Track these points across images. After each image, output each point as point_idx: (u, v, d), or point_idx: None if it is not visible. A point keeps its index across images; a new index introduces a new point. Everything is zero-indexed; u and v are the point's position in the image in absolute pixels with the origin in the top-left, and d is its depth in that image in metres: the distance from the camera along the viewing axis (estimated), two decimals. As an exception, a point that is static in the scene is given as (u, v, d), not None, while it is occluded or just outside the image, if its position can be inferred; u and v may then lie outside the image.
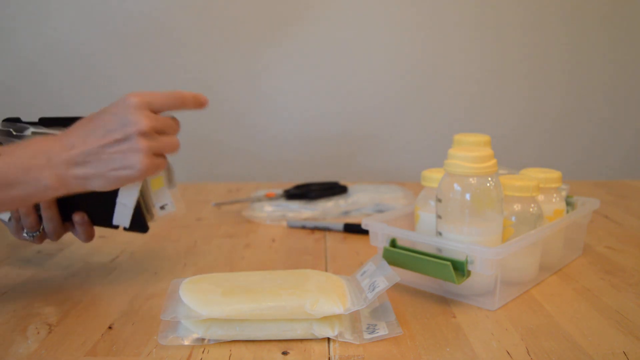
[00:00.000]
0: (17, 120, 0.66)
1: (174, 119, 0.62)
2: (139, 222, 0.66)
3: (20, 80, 1.38)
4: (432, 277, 0.61)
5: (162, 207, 0.67)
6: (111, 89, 1.39)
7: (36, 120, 0.66)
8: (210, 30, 1.39)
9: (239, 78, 1.41)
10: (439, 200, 0.61)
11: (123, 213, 0.65)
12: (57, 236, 0.68)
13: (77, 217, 0.68)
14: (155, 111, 0.60)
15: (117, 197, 0.65)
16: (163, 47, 1.39)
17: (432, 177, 0.69)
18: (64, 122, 0.63)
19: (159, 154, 0.59)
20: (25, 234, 0.67)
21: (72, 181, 0.57)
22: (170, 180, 0.68)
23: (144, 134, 0.57)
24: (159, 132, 0.59)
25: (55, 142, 0.57)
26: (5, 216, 0.67)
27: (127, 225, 0.66)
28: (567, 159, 1.48)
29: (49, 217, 0.66)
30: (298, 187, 1.04)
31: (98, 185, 0.58)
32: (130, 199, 0.64)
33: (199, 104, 0.63)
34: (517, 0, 1.40)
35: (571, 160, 1.49)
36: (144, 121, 0.57)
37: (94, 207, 0.67)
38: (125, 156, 0.57)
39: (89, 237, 0.69)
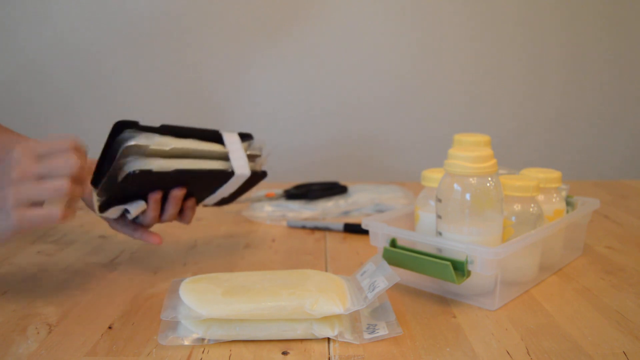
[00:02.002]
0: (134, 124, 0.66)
1: (68, 152, 0.57)
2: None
3: (22, 79, 1.38)
4: (432, 277, 0.61)
5: None
6: (113, 88, 1.40)
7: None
8: (210, 31, 1.39)
9: (239, 78, 1.41)
10: (439, 200, 0.61)
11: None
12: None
13: (190, 202, 0.71)
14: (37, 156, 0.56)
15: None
16: (164, 47, 1.39)
17: (432, 177, 0.69)
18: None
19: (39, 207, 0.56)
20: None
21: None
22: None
23: (13, 182, 0.54)
24: (42, 177, 0.56)
25: None
26: (115, 214, 0.69)
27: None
28: (566, 159, 1.48)
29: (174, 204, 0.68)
30: (298, 187, 1.04)
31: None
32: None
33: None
34: (517, 1, 1.40)
35: (571, 160, 1.49)
36: (19, 171, 0.54)
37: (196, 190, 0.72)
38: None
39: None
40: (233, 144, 0.71)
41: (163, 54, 1.39)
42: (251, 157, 0.74)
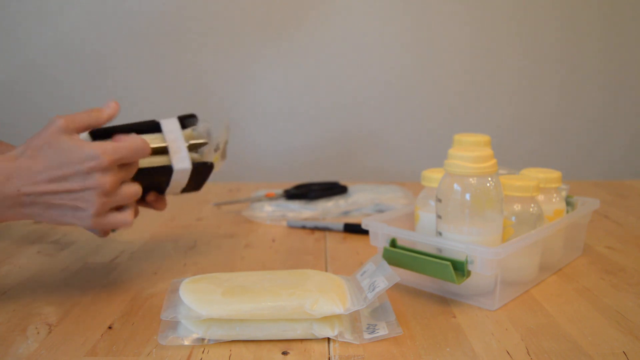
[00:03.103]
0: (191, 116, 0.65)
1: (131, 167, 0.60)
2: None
3: (23, 78, 1.38)
4: (432, 277, 0.61)
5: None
6: (114, 88, 1.40)
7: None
8: (211, 31, 1.39)
9: (239, 78, 1.41)
10: (439, 200, 0.61)
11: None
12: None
13: (151, 196, 0.70)
14: (124, 163, 0.58)
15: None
16: (165, 46, 1.39)
17: (432, 177, 0.69)
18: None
19: (116, 210, 0.59)
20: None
21: (11, 217, 0.56)
22: (223, 155, 0.72)
23: (103, 192, 0.56)
24: (120, 184, 0.58)
25: (1, 175, 0.54)
26: None
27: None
28: (566, 159, 1.48)
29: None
30: (298, 187, 1.04)
31: (43, 220, 0.58)
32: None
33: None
34: (517, 1, 1.40)
35: (571, 160, 1.49)
36: (106, 179, 0.56)
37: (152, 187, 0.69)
38: (76, 207, 0.56)
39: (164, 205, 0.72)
40: (171, 133, 0.66)
41: (164, 53, 1.39)
42: (194, 147, 0.68)
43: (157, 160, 0.65)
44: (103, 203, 0.56)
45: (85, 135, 0.63)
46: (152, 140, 0.65)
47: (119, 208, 0.60)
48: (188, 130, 0.68)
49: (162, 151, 0.66)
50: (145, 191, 0.69)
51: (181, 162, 0.65)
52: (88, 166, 0.55)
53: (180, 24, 1.38)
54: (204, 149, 0.69)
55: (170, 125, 0.66)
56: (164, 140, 0.66)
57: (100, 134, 0.63)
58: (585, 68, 1.45)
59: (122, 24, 1.37)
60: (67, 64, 1.38)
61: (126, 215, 0.59)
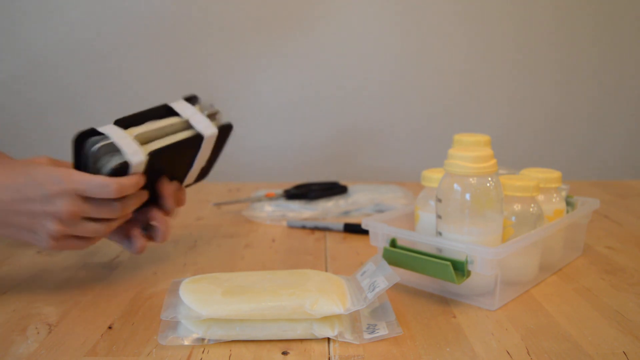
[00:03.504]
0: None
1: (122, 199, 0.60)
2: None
3: (27, 78, 1.38)
4: (432, 277, 0.61)
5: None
6: (117, 87, 1.40)
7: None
8: (213, 31, 1.39)
9: (239, 78, 1.41)
10: (439, 200, 0.61)
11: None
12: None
13: (174, 186, 0.70)
14: (86, 197, 0.58)
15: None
16: (166, 47, 1.39)
17: (432, 177, 0.69)
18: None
19: (75, 237, 0.60)
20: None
21: None
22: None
23: (60, 220, 0.57)
24: (85, 217, 0.59)
25: None
26: None
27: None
28: (566, 159, 1.48)
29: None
30: (298, 187, 1.04)
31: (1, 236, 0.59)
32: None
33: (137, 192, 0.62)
34: (517, 1, 1.40)
35: (571, 160, 1.49)
36: (65, 208, 0.56)
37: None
38: (33, 229, 0.57)
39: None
40: (187, 110, 0.69)
41: (165, 53, 1.39)
42: (210, 117, 0.72)
43: (183, 135, 0.68)
44: (58, 230, 0.57)
45: (111, 126, 0.63)
46: (172, 120, 0.68)
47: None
48: (198, 106, 0.72)
49: (185, 127, 0.69)
50: (166, 179, 0.70)
51: (208, 129, 0.69)
52: (51, 189, 0.56)
53: (182, 23, 1.38)
54: (217, 117, 0.73)
55: (182, 105, 0.70)
56: (181, 118, 0.69)
57: (120, 123, 0.64)
58: (585, 68, 1.45)
59: (123, 23, 1.37)
60: (68, 64, 1.38)
61: (83, 243, 0.61)
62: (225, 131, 0.72)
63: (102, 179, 0.58)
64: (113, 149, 0.61)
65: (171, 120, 0.68)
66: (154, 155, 0.63)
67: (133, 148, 0.61)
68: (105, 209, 0.60)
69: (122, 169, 0.60)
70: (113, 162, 0.60)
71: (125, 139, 0.61)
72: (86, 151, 0.61)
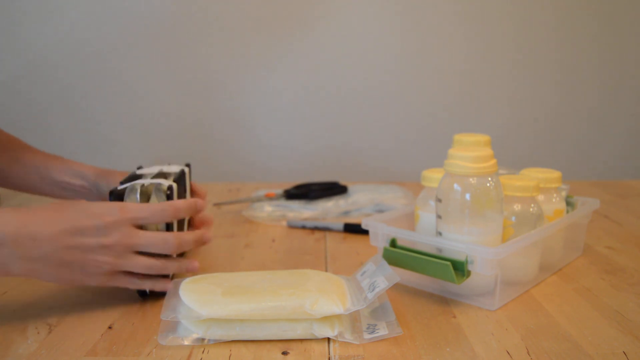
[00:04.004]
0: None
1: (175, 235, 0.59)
2: None
3: (28, 78, 1.38)
4: (432, 277, 0.61)
5: None
6: (118, 87, 1.40)
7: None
8: (213, 31, 1.39)
9: (239, 78, 1.41)
10: (439, 200, 0.61)
11: None
12: None
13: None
14: (142, 226, 0.58)
15: None
16: (167, 47, 1.39)
17: (432, 177, 0.69)
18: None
19: (127, 273, 0.59)
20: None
21: (18, 273, 0.54)
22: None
23: (114, 253, 0.56)
24: (137, 250, 0.57)
25: (17, 226, 0.52)
26: None
27: None
28: (566, 159, 1.48)
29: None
30: (298, 187, 1.04)
31: (45, 279, 0.56)
32: None
33: (194, 210, 0.62)
34: (517, 1, 1.40)
35: (570, 160, 1.49)
36: (119, 239, 0.55)
37: None
38: (85, 265, 0.55)
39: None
40: (153, 168, 0.73)
41: (166, 53, 1.39)
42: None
43: (172, 175, 0.70)
44: (111, 264, 0.56)
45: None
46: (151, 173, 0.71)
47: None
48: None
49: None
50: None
51: (181, 166, 0.74)
52: (105, 220, 0.55)
53: (182, 24, 1.38)
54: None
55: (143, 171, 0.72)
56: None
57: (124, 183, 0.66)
58: (585, 68, 1.45)
59: (123, 23, 1.37)
60: (68, 64, 1.38)
61: (135, 280, 0.59)
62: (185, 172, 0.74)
63: (158, 204, 0.59)
64: (146, 190, 0.62)
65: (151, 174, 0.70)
66: (176, 181, 0.65)
67: (161, 180, 0.63)
68: (160, 242, 0.58)
69: (171, 193, 0.62)
70: (164, 185, 0.62)
71: (146, 180, 0.64)
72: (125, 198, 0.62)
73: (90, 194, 0.77)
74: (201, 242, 0.63)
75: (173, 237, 0.59)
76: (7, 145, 0.79)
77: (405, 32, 1.41)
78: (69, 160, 0.79)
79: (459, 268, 0.59)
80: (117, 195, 0.61)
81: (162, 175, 0.69)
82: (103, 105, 1.41)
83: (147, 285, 0.60)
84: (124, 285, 0.59)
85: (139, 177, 0.68)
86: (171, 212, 0.59)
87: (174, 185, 0.64)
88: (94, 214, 0.55)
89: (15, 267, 0.53)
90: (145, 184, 0.62)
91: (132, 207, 0.57)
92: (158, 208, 0.58)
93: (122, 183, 0.64)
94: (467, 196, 0.59)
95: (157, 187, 0.63)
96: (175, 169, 0.73)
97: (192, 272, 0.64)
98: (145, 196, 0.62)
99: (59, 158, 0.79)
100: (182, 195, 0.69)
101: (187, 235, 0.61)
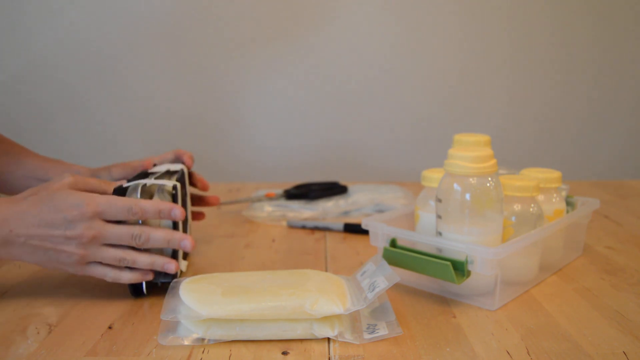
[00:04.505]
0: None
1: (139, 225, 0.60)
2: None
3: (30, 77, 1.38)
4: (432, 277, 0.61)
5: None
6: (119, 87, 1.40)
7: None
8: (213, 32, 1.39)
9: (239, 78, 1.41)
10: (439, 200, 0.61)
11: None
12: None
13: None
14: (108, 219, 0.60)
15: None
16: (169, 47, 1.39)
17: (432, 177, 0.69)
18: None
19: (101, 264, 0.61)
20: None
21: (3, 255, 0.59)
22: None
23: (82, 244, 0.58)
24: (105, 243, 0.60)
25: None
26: None
27: None
28: (566, 159, 1.48)
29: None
30: (298, 187, 1.04)
31: (30, 262, 0.60)
32: None
33: (160, 215, 0.61)
34: (517, 1, 1.40)
35: (570, 160, 1.49)
36: (85, 231, 0.58)
37: None
38: (58, 255, 0.59)
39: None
40: (161, 167, 0.75)
41: (169, 55, 1.39)
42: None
43: (174, 176, 0.71)
44: (80, 255, 0.59)
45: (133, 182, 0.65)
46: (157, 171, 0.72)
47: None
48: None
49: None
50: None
51: (181, 165, 0.75)
52: (72, 214, 0.58)
53: (183, 25, 1.38)
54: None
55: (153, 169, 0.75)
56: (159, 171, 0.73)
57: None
58: (585, 68, 1.45)
59: (124, 23, 1.37)
60: (69, 64, 1.38)
61: (109, 271, 0.61)
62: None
63: (124, 200, 0.60)
64: (149, 190, 0.63)
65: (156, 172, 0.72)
66: (179, 180, 0.66)
67: (165, 181, 0.64)
68: (126, 235, 0.59)
69: (176, 193, 0.63)
70: (168, 185, 0.63)
71: (150, 180, 0.65)
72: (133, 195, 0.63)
73: None
74: (175, 244, 0.62)
75: (140, 231, 0.60)
76: (6, 150, 0.81)
77: (404, 32, 1.41)
78: (68, 163, 0.81)
79: (459, 268, 0.59)
80: (119, 193, 0.62)
81: (169, 174, 0.69)
82: (103, 105, 1.41)
83: (126, 278, 0.61)
84: (99, 276, 0.61)
85: (147, 175, 0.69)
86: (137, 212, 0.60)
87: (178, 185, 0.64)
88: (61, 208, 0.58)
89: (1, 252, 0.58)
90: (148, 184, 0.63)
91: (99, 200, 0.59)
92: (125, 206, 0.59)
93: (129, 181, 0.64)
94: (467, 196, 0.59)
95: (161, 187, 0.63)
96: (178, 167, 0.74)
97: (169, 272, 0.63)
98: (148, 195, 0.62)
99: (58, 162, 0.82)
100: (184, 194, 0.69)
101: (157, 232, 0.60)
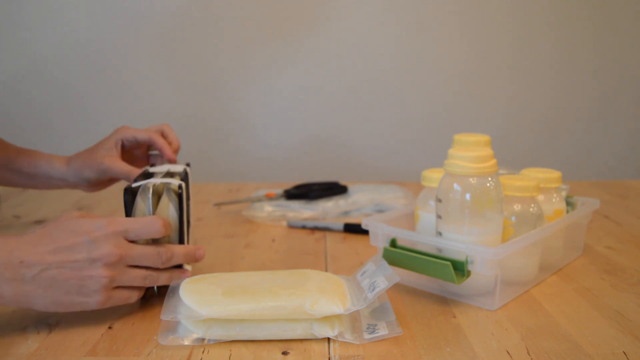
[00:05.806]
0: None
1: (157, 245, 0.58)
2: None
3: (27, 78, 1.38)
4: (432, 277, 0.61)
5: None
6: (119, 87, 1.40)
7: None
8: (213, 32, 1.39)
9: (239, 79, 1.41)
10: (439, 200, 0.61)
11: None
12: None
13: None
14: (131, 240, 0.56)
15: None
16: (169, 47, 1.39)
17: (432, 177, 0.69)
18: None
19: (123, 288, 0.57)
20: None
21: (7, 294, 0.51)
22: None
23: (108, 265, 0.53)
24: (129, 264, 0.56)
25: (3, 250, 0.51)
26: None
27: None
28: (566, 159, 1.48)
29: None
30: (298, 187, 1.04)
31: (42, 306, 0.53)
32: None
33: (193, 258, 0.61)
34: (517, 1, 1.40)
35: (570, 160, 1.49)
36: (111, 250, 0.53)
37: None
38: (81, 283, 0.53)
39: None
40: (163, 167, 0.75)
41: (166, 53, 1.39)
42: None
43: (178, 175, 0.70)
44: (108, 277, 0.54)
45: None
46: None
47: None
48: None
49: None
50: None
51: (182, 165, 0.74)
52: (94, 235, 0.53)
53: (183, 24, 1.38)
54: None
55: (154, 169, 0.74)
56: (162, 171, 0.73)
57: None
58: (585, 68, 1.45)
59: (124, 23, 1.37)
60: (68, 64, 1.38)
61: (131, 294, 0.57)
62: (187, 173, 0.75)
63: (147, 218, 0.57)
64: (157, 189, 0.63)
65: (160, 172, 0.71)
66: (182, 180, 0.65)
67: (170, 180, 0.64)
68: (153, 254, 0.57)
69: (182, 192, 0.63)
70: (174, 184, 0.63)
71: (157, 180, 0.64)
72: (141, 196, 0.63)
73: (65, 179, 0.81)
74: (193, 258, 0.61)
75: (165, 250, 0.58)
76: None
77: (405, 32, 1.41)
78: (39, 152, 0.81)
79: (459, 268, 0.59)
80: (131, 193, 0.61)
81: (170, 174, 0.69)
82: (103, 105, 1.41)
83: (135, 297, 0.58)
84: (123, 302, 0.57)
85: (151, 175, 0.69)
86: (160, 226, 0.57)
87: (183, 185, 0.64)
88: (81, 231, 0.53)
89: (5, 291, 0.51)
90: (157, 184, 0.63)
91: (121, 220, 0.56)
92: (148, 220, 0.57)
93: (135, 181, 0.64)
94: (467, 196, 0.59)
95: (168, 186, 0.63)
96: (179, 168, 0.74)
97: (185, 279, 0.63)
98: (157, 195, 0.62)
99: (29, 151, 0.81)
100: (188, 195, 0.69)
101: (179, 249, 0.60)
